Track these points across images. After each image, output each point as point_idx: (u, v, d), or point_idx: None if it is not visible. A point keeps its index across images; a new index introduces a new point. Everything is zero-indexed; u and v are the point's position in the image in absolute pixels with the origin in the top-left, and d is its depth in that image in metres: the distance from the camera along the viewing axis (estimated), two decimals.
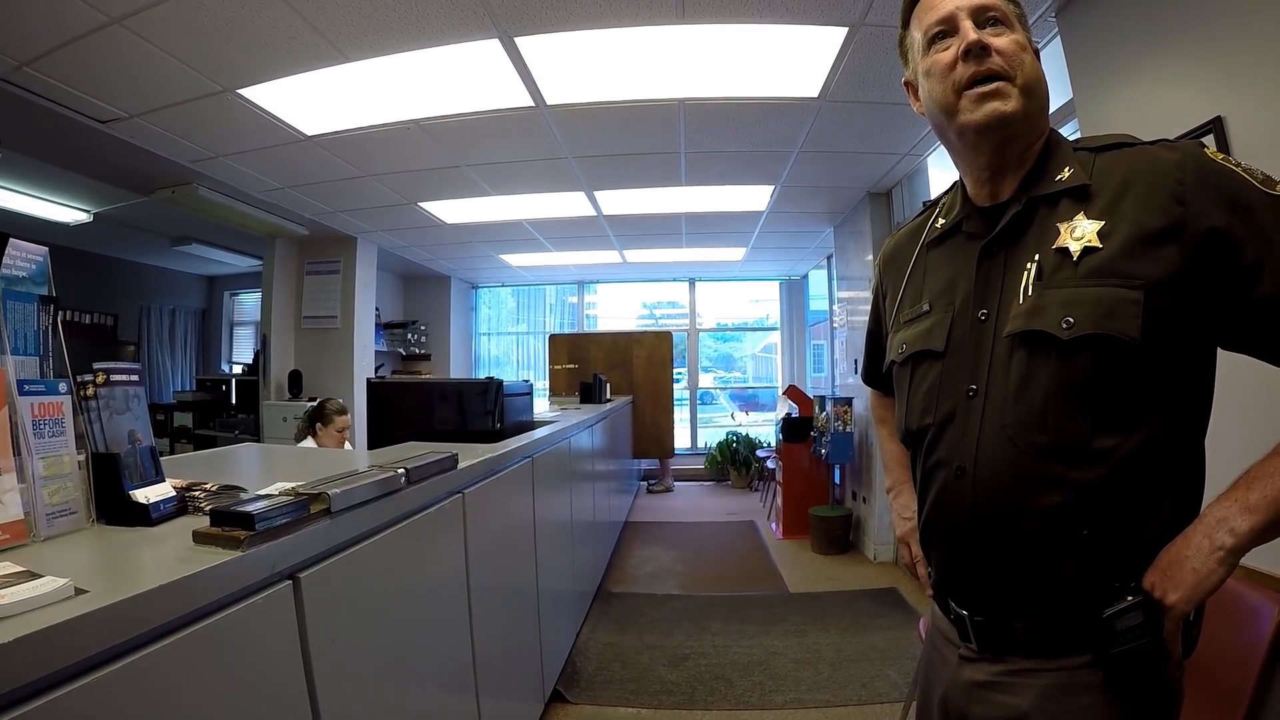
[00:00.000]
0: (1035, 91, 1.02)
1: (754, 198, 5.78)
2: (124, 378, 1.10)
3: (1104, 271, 0.94)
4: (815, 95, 3.69)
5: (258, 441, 6.07)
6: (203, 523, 1.03)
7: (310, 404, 4.58)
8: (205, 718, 0.90)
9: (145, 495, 1.08)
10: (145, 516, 1.07)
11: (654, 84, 3.57)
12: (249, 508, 1.03)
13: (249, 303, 9.31)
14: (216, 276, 9.27)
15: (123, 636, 0.77)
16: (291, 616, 1.08)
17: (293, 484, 1.22)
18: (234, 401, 7.32)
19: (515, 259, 8.26)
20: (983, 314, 1.05)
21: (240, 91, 3.44)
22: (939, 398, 1.09)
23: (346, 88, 3.47)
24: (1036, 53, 1.06)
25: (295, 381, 6.69)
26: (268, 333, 6.67)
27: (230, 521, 1.00)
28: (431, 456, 1.68)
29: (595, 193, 5.52)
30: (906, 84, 1.20)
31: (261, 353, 6.73)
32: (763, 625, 4.18)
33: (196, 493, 1.19)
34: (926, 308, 1.16)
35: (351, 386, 6.71)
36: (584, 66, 3.35)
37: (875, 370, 1.47)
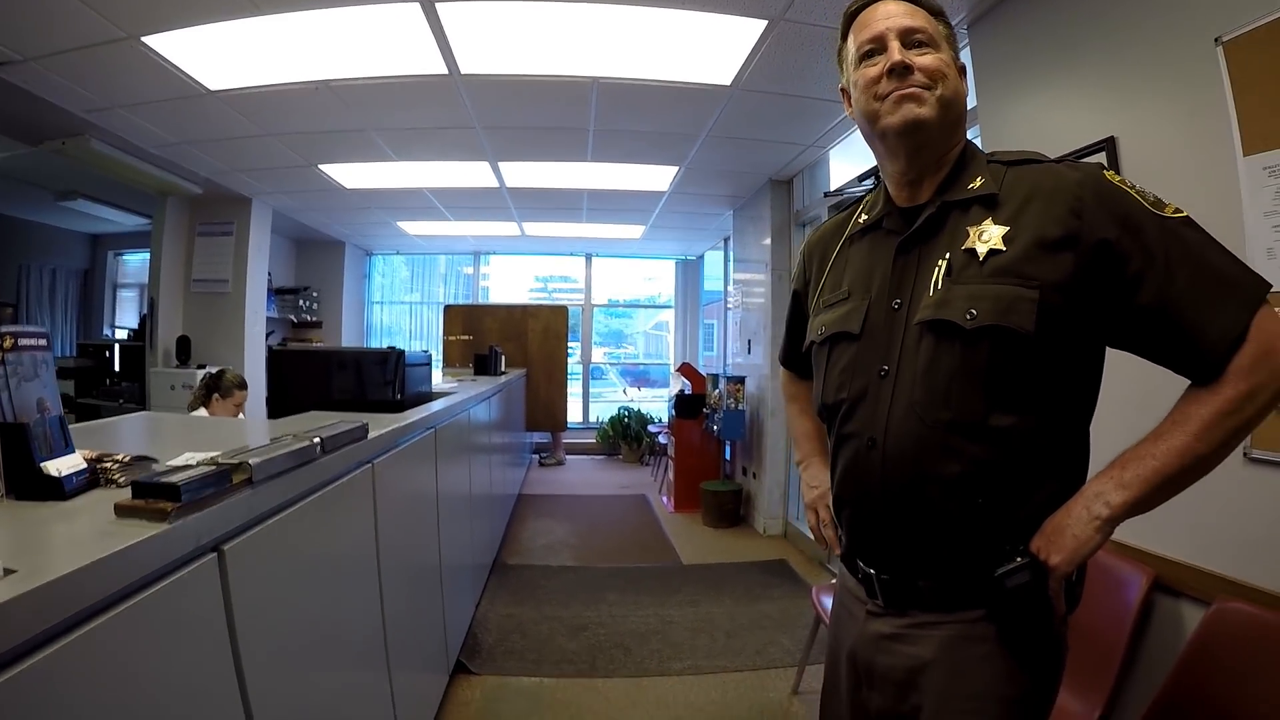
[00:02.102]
0: (952, 105, 1.13)
1: (658, 178, 5.84)
2: (32, 342, 1.03)
3: (1006, 272, 1.05)
4: (728, 83, 3.77)
5: (142, 411, 5.71)
6: (116, 496, 0.98)
7: (203, 371, 4.35)
8: (138, 697, 0.87)
9: (57, 468, 1.01)
10: (58, 490, 1.00)
11: (571, 60, 3.56)
12: (174, 478, 0.98)
13: (135, 264, 8.67)
14: (101, 235, 8.58)
15: (58, 617, 0.74)
16: (217, 589, 1.05)
17: (202, 454, 1.18)
18: (118, 369, 6.83)
19: (413, 227, 8.07)
20: (896, 303, 1.16)
21: (145, 39, 3.21)
22: (854, 376, 1.19)
23: (255, 42, 3.29)
24: (962, 70, 1.17)
25: (183, 348, 6.31)
26: (155, 296, 6.26)
27: (154, 493, 0.96)
28: (343, 426, 1.64)
29: (500, 164, 5.45)
30: (842, 90, 1.28)
31: (149, 317, 6.31)
32: (658, 596, 4.29)
33: (108, 464, 1.12)
34: (846, 294, 1.26)
35: (242, 353, 6.40)
36: (502, 38, 3.30)
37: (793, 351, 1.56)
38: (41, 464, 1.01)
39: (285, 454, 1.30)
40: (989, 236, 1.08)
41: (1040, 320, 1.02)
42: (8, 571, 0.72)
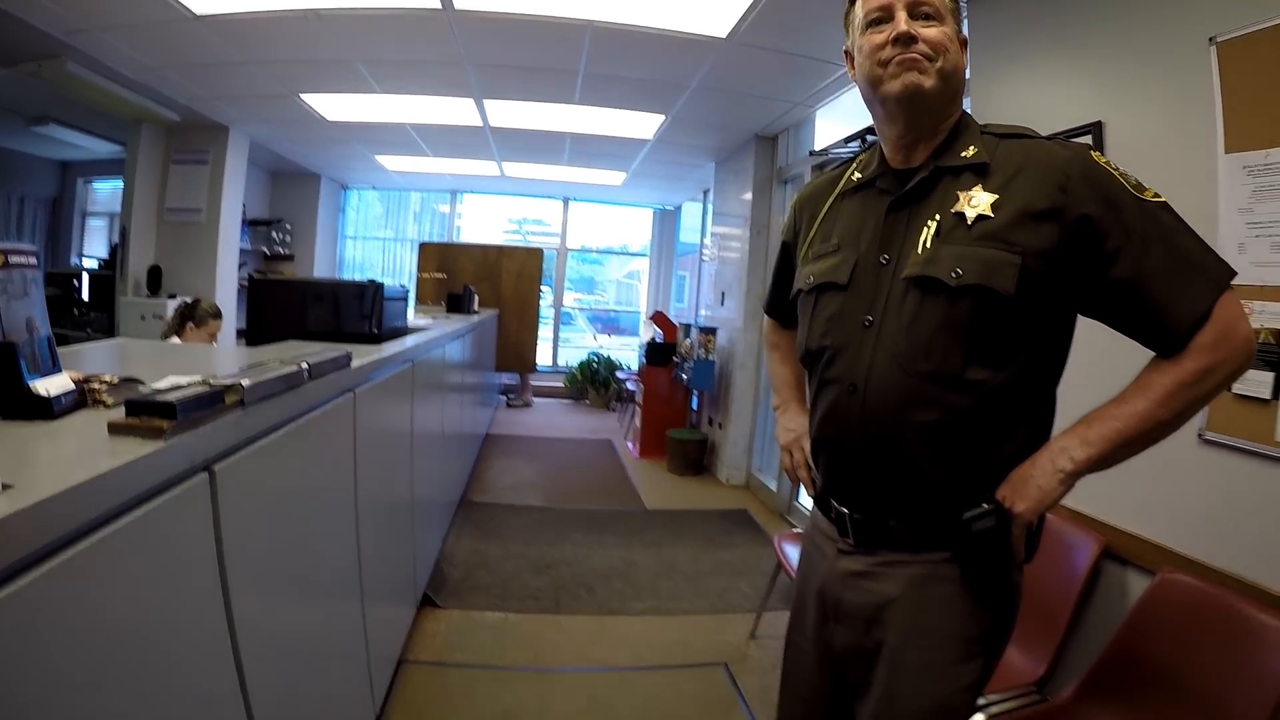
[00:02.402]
0: (952, 78, 1.17)
1: (643, 125, 5.78)
2: (23, 260, 1.00)
3: (992, 237, 1.10)
4: (724, 35, 3.73)
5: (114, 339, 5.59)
6: (105, 416, 0.97)
7: (175, 301, 4.27)
8: (131, 615, 0.88)
9: (45, 387, 1.00)
10: (47, 410, 0.98)
11: (567, 1, 3.48)
12: (169, 397, 0.98)
13: (105, 191, 8.39)
14: (72, 162, 8.27)
15: (57, 533, 0.73)
16: (208, 509, 1.06)
17: (187, 378, 1.17)
18: (86, 299, 6.64)
19: (392, 162, 7.92)
20: (884, 258, 1.20)
21: None
22: (839, 324, 1.23)
23: None
24: (964, 44, 1.20)
25: (154, 278, 6.16)
26: (127, 224, 6.08)
27: (150, 411, 0.96)
28: (328, 353, 1.64)
29: (485, 102, 5.35)
30: (845, 52, 1.30)
31: (120, 246, 6.14)
32: (622, 538, 4.37)
33: (96, 385, 1.11)
34: (836, 247, 1.29)
35: (214, 284, 6.28)
36: None
37: (779, 300, 1.59)
38: (31, 383, 0.99)
39: (275, 377, 1.29)
40: (978, 202, 1.12)
41: (1020, 284, 1.07)
42: (5, 487, 0.71)
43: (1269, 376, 1.74)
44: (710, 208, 7.38)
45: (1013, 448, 1.13)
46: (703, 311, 6.88)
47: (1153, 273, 1.04)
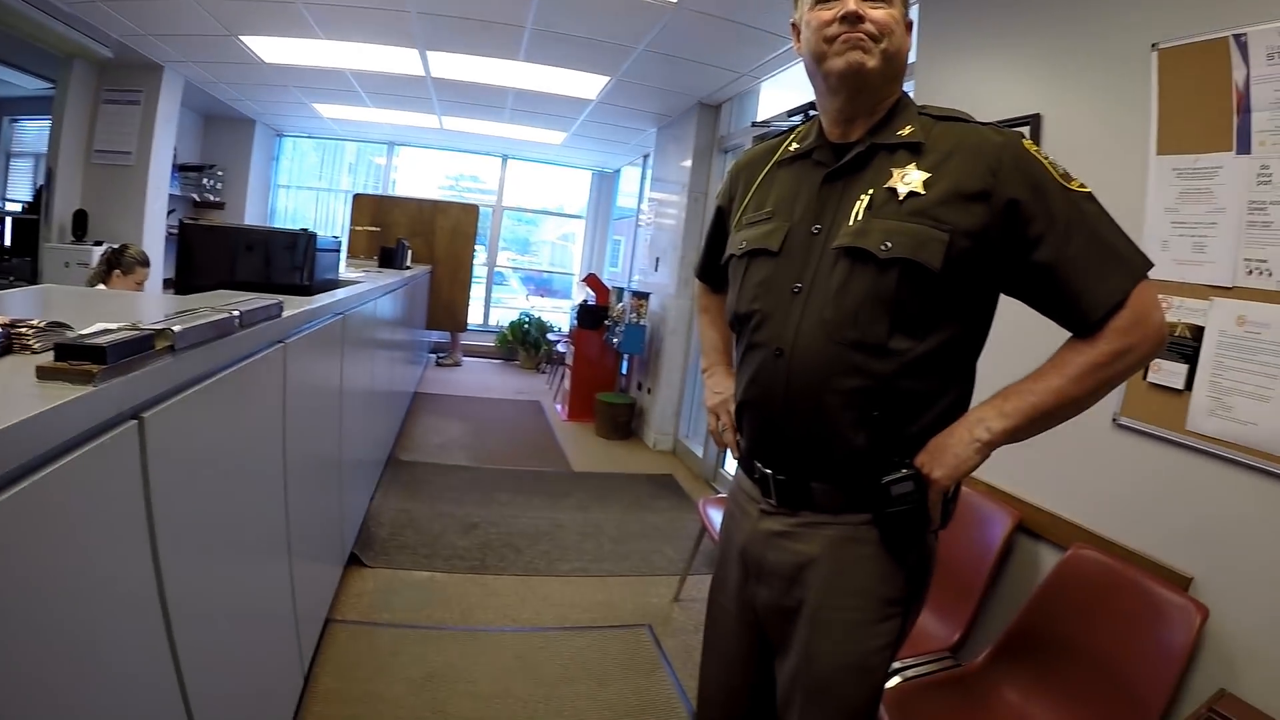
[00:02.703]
0: (895, 59, 1.20)
1: (588, 85, 5.69)
2: None
3: (922, 213, 1.13)
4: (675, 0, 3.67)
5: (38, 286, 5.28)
6: (32, 361, 0.92)
7: (101, 248, 4.05)
8: (60, 566, 0.84)
9: None
10: None
11: None
12: (99, 340, 0.94)
13: (32, 132, 7.77)
14: None
15: None
16: (136, 458, 1.01)
17: (115, 324, 1.12)
18: (8, 244, 6.22)
19: (329, 110, 7.64)
20: (816, 228, 1.23)
21: None
22: (768, 290, 1.26)
23: None
24: (909, 26, 1.23)
25: (80, 223, 5.83)
26: (54, 166, 5.72)
27: (80, 355, 0.91)
28: (259, 302, 1.59)
29: (429, 53, 5.20)
30: (792, 25, 1.31)
31: (45, 188, 5.78)
32: (549, 499, 4.39)
33: (23, 329, 1.05)
34: (769, 214, 1.32)
35: (141, 231, 5.99)
36: None
37: (711, 265, 1.61)
38: None
39: (206, 324, 1.25)
40: (911, 179, 1.16)
41: (947, 260, 1.11)
42: None
43: (1183, 368, 1.83)
44: (649, 173, 7.34)
45: (933, 416, 1.18)
46: (636, 276, 6.87)
47: (1073, 258, 1.09)
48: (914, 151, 1.19)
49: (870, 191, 1.19)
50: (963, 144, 1.16)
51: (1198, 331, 1.81)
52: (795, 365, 1.19)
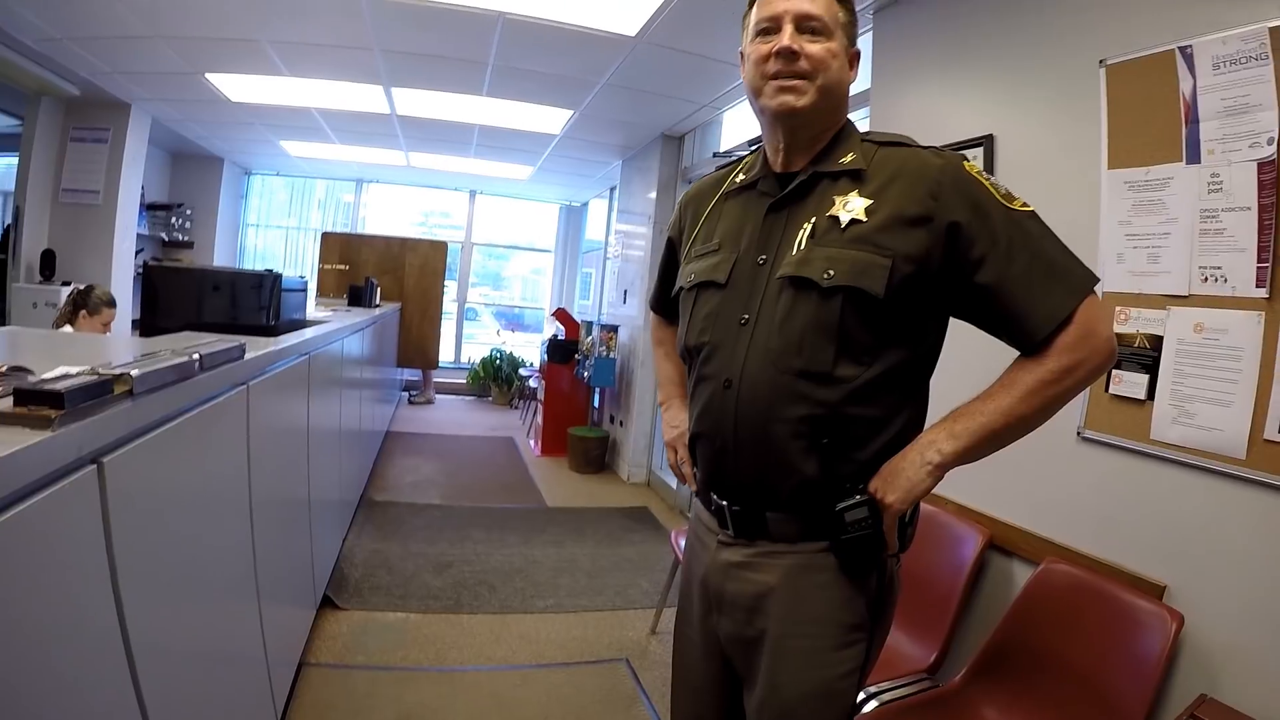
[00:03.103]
0: (832, 93, 1.22)
1: (551, 120, 5.75)
2: None
3: (863, 240, 1.15)
4: (633, 34, 3.75)
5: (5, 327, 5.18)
6: None
7: (69, 288, 4.01)
8: (20, 614, 0.83)
9: None
10: None
11: None
12: (57, 386, 0.93)
13: None
14: None
15: None
16: (97, 503, 1.00)
17: (77, 368, 1.11)
18: None
19: (296, 147, 7.63)
20: (762, 258, 1.24)
21: None
22: (716, 321, 1.27)
23: None
24: (854, 58, 1.27)
25: (48, 262, 5.76)
26: (21, 204, 5.65)
27: (38, 400, 0.90)
28: (220, 344, 1.58)
29: (394, 89, 5.23)
30: (741, 54, 1.34)
31: (13, 228, 5.70)
32: (523, 536, 4.35)
33: None
34: (717, 246, 1.33)
35: (110, 270, 5.92)
36: None
37: (664, 297, 1.63)
38: None
39: (165, 367, 1.24)
40: (852, 206, 1.17)
41: (890, 285, 1.12)
42: None
43: (1144, 379, 1.87)
44: (616, 205, 7.40)
45: (884, 441, 1.18)
46: (606, 309, 6.90)
47: (1016, 278, 1.10)
48: (856, 179, 1.20)
49: (813, 220, 1.20)
50: (904, 169, 1.18)
51: (1157, 341, 1.85)
52: (744, 396, 1.20)
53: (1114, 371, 1.94)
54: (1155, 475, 1.85)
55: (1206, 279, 1.76)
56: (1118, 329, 1.93)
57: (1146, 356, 1.87)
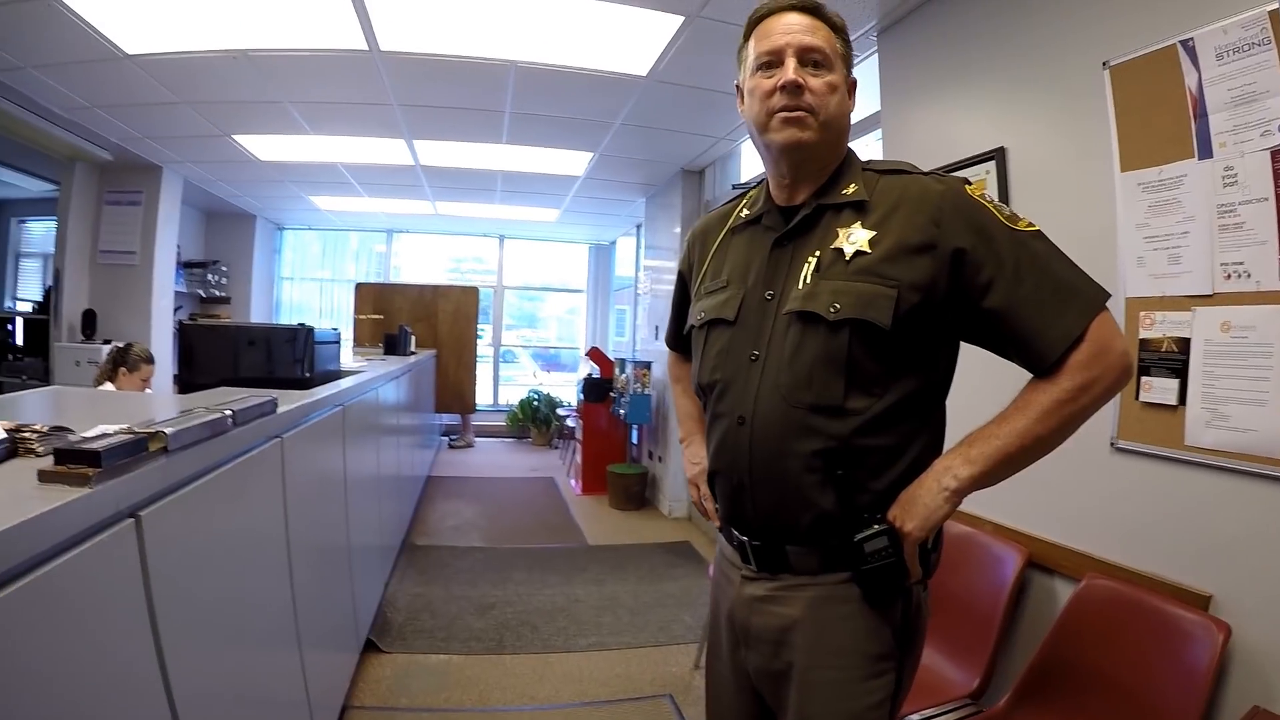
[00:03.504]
0: (834, 126, 1.23)
1: (572, 162, 5.85)
2: None
3: (869, 271, 1.15)
4: (644, 74, 3.83)
5: (50, 386, 5.39)
6: (36, 464, 0.99)
7: (109, 346, 4.17)
8: (61, 661, 0.87)
9: None
10: None
11: (490, 43, 3.56)
12: (95, 445, 0.99)
13: (39, 232, 8.00)
14: (3, 201, 7.87)
15: None
16: (135, 554, 1.05)
17: (115, 426, 1.17)
18: (20, 343, 6.39)
19: (325, 201, 7.85)
20: (769, 293, 1.25)
21: None
22: (727, 358, 1.27)
23: (176, 6, 3.18)
24: (852, 87, 1.28)
25: (89, 322, 5.97)
26: (61, 267, 5.89)
27: (76, 459, 0.96)
28: (253, 400, 1.64)
29: (416, 142, 5.38)
30: (737, 87, 1.36)
31: (54, 289, 5.94)
32: (564, 575, 4.35)
33: (27, 434, 1.11)
34: (725, 283, 1.34)
35: (149, 329, 6.11)
36: (424, 17, 3.28)
37: (677, 334, 1.65)
38: None
39: (199, 424, 1.30)
40: (856, 238, 1.17)
41: (897, 316, 1.12)
42: None
43: (1174, 383, 1.82)
44: (643, 241, 7.48)
45: (901, 469, 1.17)
46: (648, 345, 6.94)
47: (1025, 300, 1.10)
48: (859, 210, 1.20)
49: (818, 253, 1.20)
50: (905, 197, 1.18)
51: (1184, 344, 1.80)
52: (757, 432, 1.20)
53: (1143, 378, 1.90)
54: (1192, 482, 1.81)
55: (1229, 275, 1.72)
56: (1143, 334, 1.90)
57: (1175, 360, 1.82)
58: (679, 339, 1.65)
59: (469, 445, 9.00)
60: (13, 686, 0.78)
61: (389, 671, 3.00)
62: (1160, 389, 1.86)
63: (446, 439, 9.08)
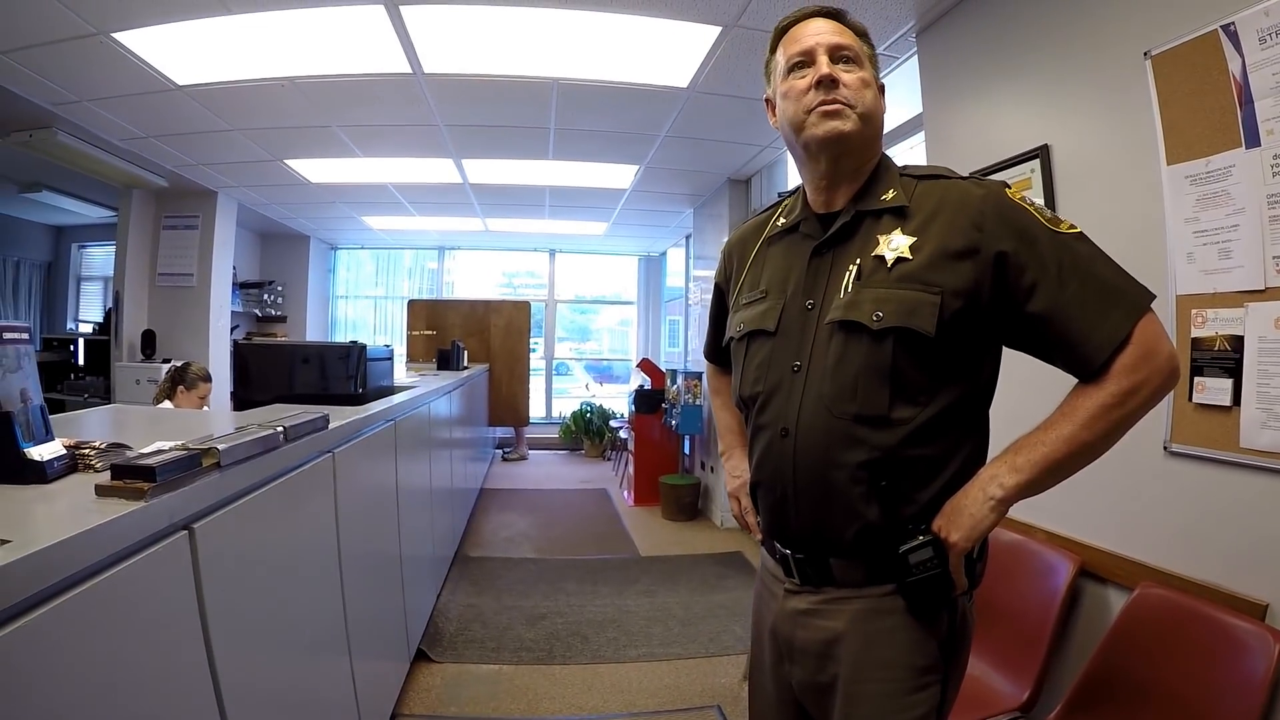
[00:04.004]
0: (871, 120, 1.22)
1: (618, 176, 5.91)
2: (15, 335, 1.07)
3: (911, 278, 1.14)
4: (685, 85, 3.87)
5: (110, 404, 5.64)
6: (94, 479, 1.05)
7: (168, 365, 4.35)
8: (117, 664, 0.93)
9: (39, 453, 1.07)
10: (41, 473, 1.06)
11: (531, 61, 3.63)
12: (149, 461, 1.05)
13: (99, 257, 8.46)
14: (65, 227, 8.36)
15: (49, 582, 0.80)
16: (188, 565, 1.11)
17: (172, 443, 1.24)
18: (82, 363, 6.71)
19: (376, 221, 8.06)
20: (810, 303, 1.24)
21: (115, 35, 3.22)
22: (769, 370, 1.26)
23: (224, 39, 3.32)
24: (881, 89, 1.27)
25: (149, 342, 6.25)
26: (120, 289, 6.17)
27: (132, 474, 1.02)
28: (305, 416, 1.70)
29: (463, 160, 5.49)
30: (767, 100, 1.36)
31: (114, 311, 6.22)
32: (615, 586, 4.38)
33: (86, 450, 1.18)
34: (764, 294, 1.33)
35: (207, 348, 6.35)
36: (464, 39, 3.36)
37: (715, 346, 1.65)
38: (25, 449, 1.06)
39: (251, 440, 1.36)
40: (897, 245, 1.16)
41: (940, 322, 1.10)
42: (3, 542, 0.78)
43: (1228, 383, 1.75)
44: (692, 252, 7.49)
45: (945, 479, 1.16)
46: (695, 356, 6.95)
47: (1069, 303, 1.08)
48: (899, 215, 1.19)
49: (858, 261, 1.19)
50: (945, 202, 1.17)
51: (1237, 342, 1.73)
52: (801, 444, 1.19)
53: (1196, 378, 1.83)
54: (1247, 485, 1.74)
55: None
56: (1195, 333, 1.83)
57: (1228, 359, 1.75)
58: (718, 351, 1.64)
59: (523, 457, 9.10)
60: (70, 687, 0.84)
61: (439, 680, 3.05)
62: (1214, 389, 1.79)
63: (500, 451, 9.19)
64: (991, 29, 2.67)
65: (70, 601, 0.83)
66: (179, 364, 4.11)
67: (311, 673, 1.73)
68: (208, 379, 4.04)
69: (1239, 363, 1.73)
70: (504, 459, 9.00)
